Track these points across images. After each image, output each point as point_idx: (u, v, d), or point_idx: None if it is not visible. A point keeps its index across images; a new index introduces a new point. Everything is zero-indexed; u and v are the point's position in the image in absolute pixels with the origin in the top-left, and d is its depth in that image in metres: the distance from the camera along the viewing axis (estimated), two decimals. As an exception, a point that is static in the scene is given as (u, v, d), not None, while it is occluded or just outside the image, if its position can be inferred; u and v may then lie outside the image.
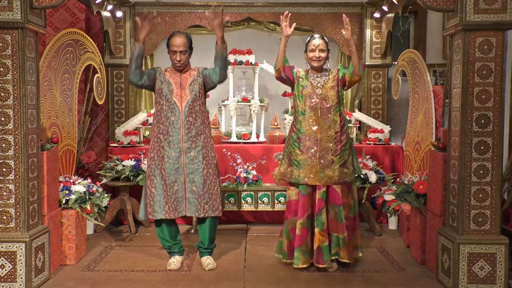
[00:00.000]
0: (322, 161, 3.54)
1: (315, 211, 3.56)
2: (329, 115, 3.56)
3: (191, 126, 3.55)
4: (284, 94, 5.50)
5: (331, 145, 3.56)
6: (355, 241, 3.70)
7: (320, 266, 3.55)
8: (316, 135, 3.56)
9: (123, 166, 4.64)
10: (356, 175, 3.82)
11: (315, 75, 3.65)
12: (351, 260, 3.61)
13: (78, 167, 4.89)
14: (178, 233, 3.78)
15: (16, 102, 3.17)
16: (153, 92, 3.75)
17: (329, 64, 3.73)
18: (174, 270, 3.62)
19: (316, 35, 3.67)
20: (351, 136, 5.32)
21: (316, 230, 3.54)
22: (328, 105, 3.57)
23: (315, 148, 3.56)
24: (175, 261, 3.69)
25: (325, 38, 3.65)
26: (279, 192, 4.78)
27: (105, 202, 4.07)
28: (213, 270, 3.62)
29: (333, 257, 3.56)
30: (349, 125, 5.32)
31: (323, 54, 3.59)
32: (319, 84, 3.61)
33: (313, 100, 3.58)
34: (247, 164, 4.90)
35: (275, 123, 5.23)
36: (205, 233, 3.69)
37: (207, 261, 3.68)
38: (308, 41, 3.65)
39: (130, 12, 5.60)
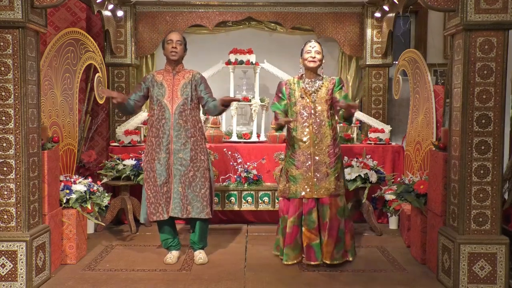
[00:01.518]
0: (317, 174, 3.61)
1: (305, 210, 3.62)
2: (321, 129, 3.63)
3: (181, 129, 3.63)
4: (285, 94, 5.49)
5: (324, 158, 3.62)
6: (346, 243, 3.70)
7: (312, 263, 3.60)
8: (309, 149, 3.62)
9: (124, 165, 4.65)
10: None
11: (309, 79, 3.70)
12: (330, 260, 3.60)
13: (78, 167, 4.89)
14: (174, 229, 3.87)
15: (17, 102, 3.17)
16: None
17: (323, 70, 3.77)
18: (174, 270, 3.63)
19: (313, 40, 3.75)
20: (351, 136, 5.34)
21: (305, 228, 3.60)
22: (319, 120, 3.62)
23: (309, 162, 3.62)
24: (171, 256, 3.79)
25: (321, 44, 3.72)
26: (280, 192, 4.78)
27: (105, 201, 4.08)
28: (213, 270, 3.63)
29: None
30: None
31: (318, 56, 3.64)
32: (312, 89, 3.66)
33: (304, 116, 3.64)
34: (248, 163, 4.90)
35: (276, 123, 5.23)
36: (195, 232, 3.81)
37: (199, 255, 3.79)
38: (304, 45, 3.72)
39: (131, 12, 5.60)
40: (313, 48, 3.65)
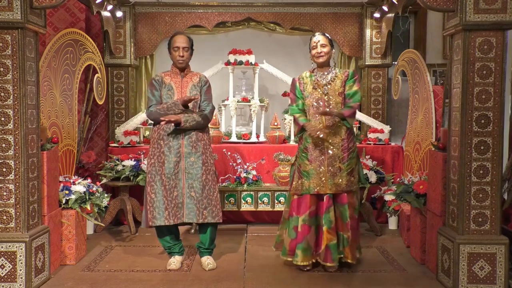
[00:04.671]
0: (330, 169, 3.52)
1: (322, 209, 3.53)
2: (335, 122, 3.54)
3: (191, 132, 3.56)
4: (284, 94, 5.49)
5: (338, 152, 3.54)
6: (357, 242, 3.68)
7: (329, 264, 3.50)
8: (323, 143, 3.54)
9: (123, 166, 4.64)
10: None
11: (321, 72, 3.62)
12: (354, 260, 3.58)
13: (78, 167, 4.89)
14: (178, 234, 3.79)
15: (16, 102, 3.17)
16: None
17: (335, 63, 3.72)
18: (174, 270, 3.62)
19: (317, 33, 3.67)
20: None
21: (324, 228, 3.50)
22: None
23: (323, 157, 3.54)
24: (175, 261, 3.69)
25: (327, 35, 3.64)
26: (279, 192, 4.78)
27: (105, 202, 4.07)
28: (213, 270, 3.62)
29: (339, 255, 3.53)
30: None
31: (324, 49, 3.56)
32: (324, 81, 3.59)
33: (317, 109, 3.55)
34: (247, 164, 4.90)
35: (275, 123, 5.23)
36: (206, 235, 3.70)
37: (207, 261, 3.69)
38: (310, 40, 3.65)
39: (130, 12, 5.60)
40: (318, 42, 3.57)
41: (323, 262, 3.53)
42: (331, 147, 3.54)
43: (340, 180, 3.52)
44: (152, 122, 3.67)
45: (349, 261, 3.55)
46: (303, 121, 3.58)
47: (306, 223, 3.54)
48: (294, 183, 3.67)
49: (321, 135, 3.45)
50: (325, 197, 3.53)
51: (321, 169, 3.53)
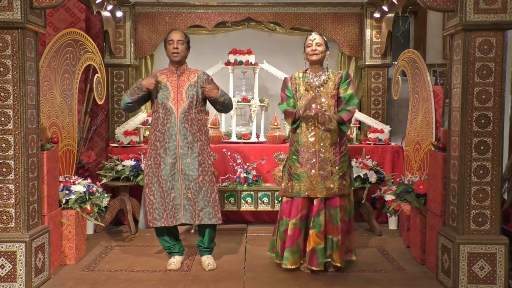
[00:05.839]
0: (321, 172, 3.48)
1: (312, 212, 3.50)
2: (327, 125, 3.48)
3: (187, 133, 3.53)
4: (284, 94, 5.48)
5: (330, 156, 3.50)
6: (348, 244, 3.64)
7: (314, 268, 3.48)
8: (314, 146, 3.50)
9: (123, 166, 4.64)
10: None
11: (314, 73, 3.60)
12: (342, 263, 3.53)
13: (78, 167, 4.89)
14: (177, 234, 3.79)
15: (16, 102, 3.17)
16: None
17: (327, 62, 3.67)
18: (174, 270, 3.62)
19: (313, 32, 3.67)
20: (351, 136, 5.34)
21: (313, 231, 3.46)
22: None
23: (314, 160, 3.50)
24: (175, 261, 3.69)
25: (323, 36, 3.63)
26: (279, 192, 4.78)
27: (105, 202, 4.07)
28: (213, 270, 3.62)
29: (326, 260, 3.50)
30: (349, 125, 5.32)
31: (319, 48, 3.53)
32: (317, 82, 3.56)
33: (311, 112, 3.50)
34: (247, 164, 4.90)
35: (275, 123, 5.23)
36: (205, 235, 3.70)
37: (208, 261, 3.68)
38: (305, 39, 3.63)
39: (130, 12, 5.60)
40: (313, 40, 3.54)
41: (309, 266, 3.50)
42: (323, 150, 3.50)
43: (332, 184, 3.47)
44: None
45: (338, 264, 3.51)
46: (296, 108, 3.53)
47: (297, 227, 3.50)
48: (283, 184, 3.64)
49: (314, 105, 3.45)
50: (315, 201, 3.49)
51: (312, 172, 3.49)
